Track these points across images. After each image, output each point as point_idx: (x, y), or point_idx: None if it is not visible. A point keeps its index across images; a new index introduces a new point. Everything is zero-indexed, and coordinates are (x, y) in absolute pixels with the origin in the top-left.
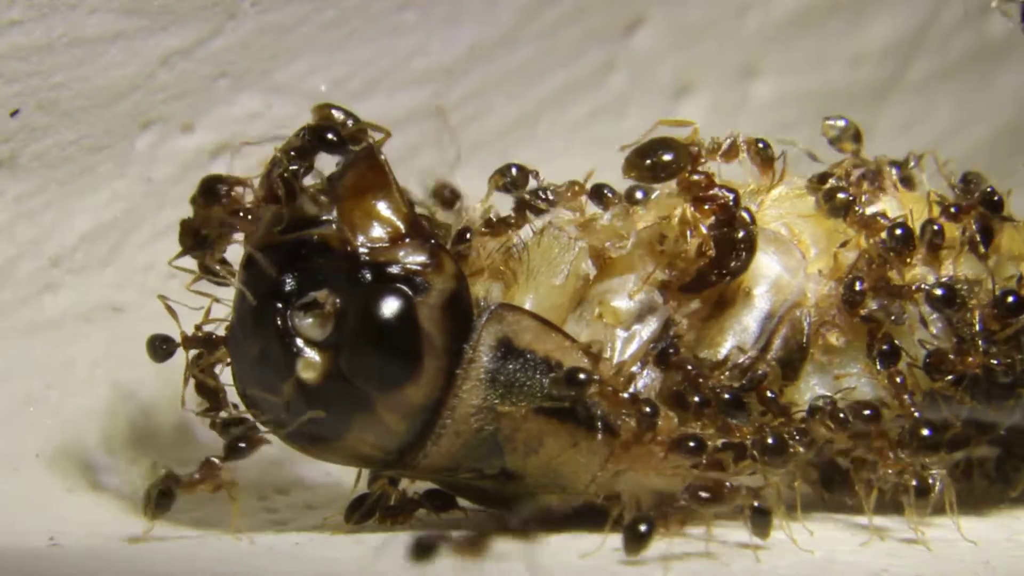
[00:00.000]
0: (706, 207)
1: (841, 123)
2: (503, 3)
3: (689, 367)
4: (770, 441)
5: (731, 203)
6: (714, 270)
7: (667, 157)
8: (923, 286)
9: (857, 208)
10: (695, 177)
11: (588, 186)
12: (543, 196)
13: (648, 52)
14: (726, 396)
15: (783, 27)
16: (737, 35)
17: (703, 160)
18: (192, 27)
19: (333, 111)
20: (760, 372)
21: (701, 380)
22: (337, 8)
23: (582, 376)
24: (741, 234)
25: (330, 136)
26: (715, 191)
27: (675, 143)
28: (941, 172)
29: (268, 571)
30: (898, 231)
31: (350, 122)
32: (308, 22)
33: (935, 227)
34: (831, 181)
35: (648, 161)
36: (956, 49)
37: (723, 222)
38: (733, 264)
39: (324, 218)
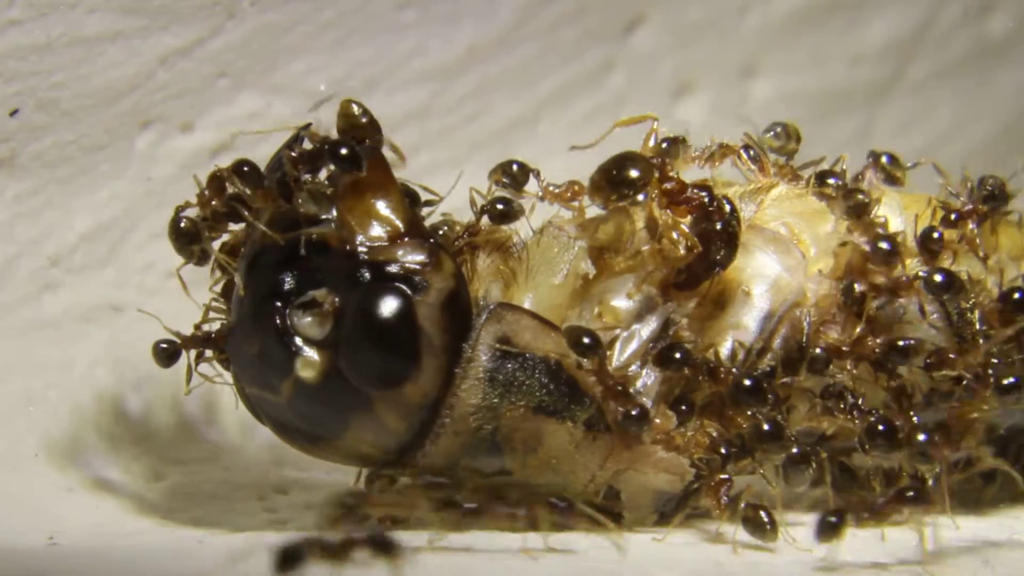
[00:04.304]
0: (683, 207)
1: (778, 128)
2: (502, 3)
3: (710, 365)
4: (766, 427)
5: (706, 202)
6: (703, 264)
7: (633, 174)
8: (921, 272)
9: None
10: (667, 186)
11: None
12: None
13: (648, 52)
14: (746, 382)
15: (783, 26)
16: (737, 34)
17: (668, 166)
18: (192, 27)
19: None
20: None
21: (723, 372)
22: (336, 8)
23: (587, 339)
24: (719, 226)
25: (344, 152)
26: (689, 194)
27: (637, 157)
28: (945, 179)
29: (267, 570)
30: (882, 244)
31: (364, 119)
32: (308, 22)
33: (935, 234)
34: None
35: (613, 183)
36: (956, 49)
37: (703, 218)
38: (719, 256)
39: (323, 217)
